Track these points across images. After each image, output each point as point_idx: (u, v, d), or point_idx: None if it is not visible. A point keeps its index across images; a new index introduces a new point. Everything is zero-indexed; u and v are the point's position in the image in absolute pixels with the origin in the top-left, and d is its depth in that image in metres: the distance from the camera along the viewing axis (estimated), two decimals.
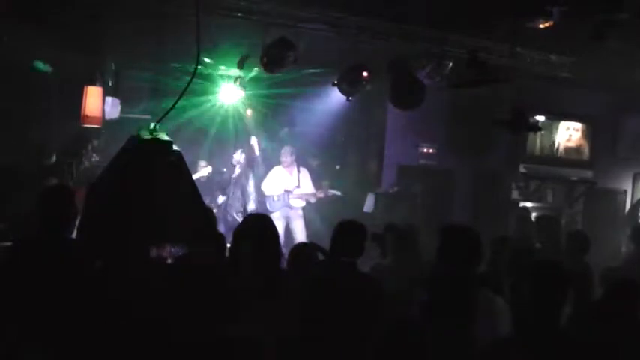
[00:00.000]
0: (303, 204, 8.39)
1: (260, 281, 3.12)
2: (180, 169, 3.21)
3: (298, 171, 8.41)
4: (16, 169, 6.14)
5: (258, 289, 3.07)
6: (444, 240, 3.56)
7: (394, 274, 4.38)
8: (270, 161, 8.63)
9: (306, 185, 8.43)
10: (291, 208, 8.32)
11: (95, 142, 6.59)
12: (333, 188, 8.49)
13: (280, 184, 8.33)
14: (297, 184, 8.35)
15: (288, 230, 8.23)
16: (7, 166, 6.08)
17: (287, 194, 8.30)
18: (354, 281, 3.63)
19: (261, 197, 8.42)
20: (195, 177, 7.93)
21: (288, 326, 3.04)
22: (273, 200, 8.29)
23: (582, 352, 2.74)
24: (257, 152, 8.54)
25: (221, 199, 8.46)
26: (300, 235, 8.06)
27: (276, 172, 8.43)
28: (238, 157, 8.44)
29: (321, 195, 8.38)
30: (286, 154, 8.36)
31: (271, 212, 8.09)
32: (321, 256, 4.23)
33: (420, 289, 3.59)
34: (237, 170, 8.41)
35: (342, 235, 3.80)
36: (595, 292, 4.62)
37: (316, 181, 8.57)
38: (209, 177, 8.37)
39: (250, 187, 8.31)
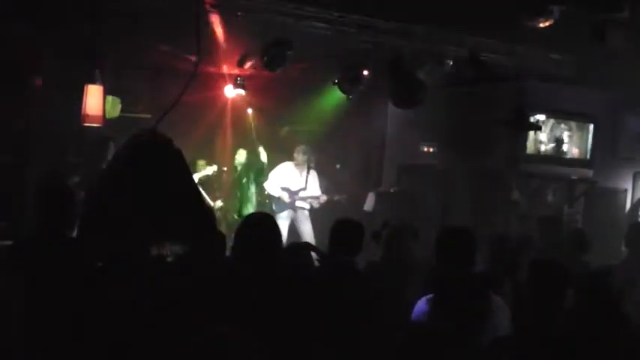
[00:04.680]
0: (309, 205, 8.24)
1: (261, 281, 3.12)
2: (181, 167, 3.21)
3: (308, 172, 8.21)
4: (17, 168, 6.16)
5: (258, 289, 3.07)
6: (440, 242, 3.57)
7: (383, 272, 4.39)
8: (273, 160, 8.56)
9: (314, 188, 8.23)
10: (297, 209, 8.13)
11: (112, 145, 6.54)
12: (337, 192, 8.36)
13: (287, 181, 8.13)
14: (304, 186, 8.15)
15: (292, 231, 8.08)
16: (8, 165, 6.09)
17: (293, 195, 8.12)
18: (351, 280, 3.63)
19: (263, 198, 8.21)
20: (199, 175, 7.90)
21: (287, 326, 3.04)
22: (279, 201, 8.10)
23: (581, 352, 2.74)
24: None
25: (219, 201, 8.28)
26: (308, 237, 7.88)
27: (285, 168, 8.20)
28: (240, 157, 8.17)
29: (323, 200, 8.17)
30: (300, 152, 8.13)
31: (277, 213, 7.96)
32: (314, 256, 4.23)
33: (415, 288, 3.60)
34: (238, 170, 8.15)
35: (339, 233, 3.80)
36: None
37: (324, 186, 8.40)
38: (215, 175, 8.11)
39: (252, 188, 8.08)
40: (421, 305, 3.23)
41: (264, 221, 3.42)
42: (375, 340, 3.16)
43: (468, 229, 3.64)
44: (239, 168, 8.13)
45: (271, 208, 8.09)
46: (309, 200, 8.18)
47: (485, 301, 2.91)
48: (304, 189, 8.16)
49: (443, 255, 3.52)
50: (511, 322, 3.17)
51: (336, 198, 8.26)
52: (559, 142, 8.56)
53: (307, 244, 5.10)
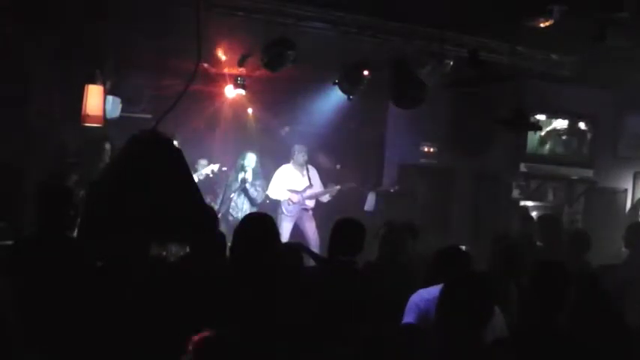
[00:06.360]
0: (313, 205, 8.24)
1: (260, 281, 3.12)
2: (181, 167, 3.20)
3: (308, 170, 8.26)
4: (18, 167, 6.15)
5: (258, 290, 3.07)
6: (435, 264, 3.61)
7: (381, 271, 4.39)
8: (274, 160, 8.54)
9: (318, 184, 8.28)
10: (306, 209, 8.17)
11: (107, 145, 6.52)
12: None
13: (292, 183, 8.14)
14: (308, 184, 8.19)
15: (296, 231, 8.09)
16: (8, 165, 6.08)
17: (301, 195, 8.13)
18: (352, 280, 3.63)
19: (270, 199, 8.15)
20: (203, 172, 7.84)
21: (287, 325, 3.04)
22: (289, 204, 8.08)
23: (580, 352, 2.74)
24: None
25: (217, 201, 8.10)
26: (312, 236, 7.94)
27: (286, 170, 8.22)
28: (250, 160, 7.96)
29: (333, 191, 8.20)
30: (300, 152, 8.17)
31: (286, 215, 7.99)
32: (306, 258, 4.22)
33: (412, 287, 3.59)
34: (249, 173, 7.91)
35: (340, 233, 3.80)
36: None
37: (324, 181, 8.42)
38: (216, 173, 7.92)
39: (259, 190, 7.99)
40: (433, 291, 3.16)
41: (263, 221, 3.42)
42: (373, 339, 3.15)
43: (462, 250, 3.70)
44: (248, 170, 7.91)
45: (280, 210, 8.06)
46: (318, 196, 8.21)
47: (492, 300, 2.90)
48: (310, 186, 8.21)
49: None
50: (507, 326, 3.17)
51: (346, 186, 8.29)
52: (559, 141, 8.57)
53: (300, 243, 5.11)
